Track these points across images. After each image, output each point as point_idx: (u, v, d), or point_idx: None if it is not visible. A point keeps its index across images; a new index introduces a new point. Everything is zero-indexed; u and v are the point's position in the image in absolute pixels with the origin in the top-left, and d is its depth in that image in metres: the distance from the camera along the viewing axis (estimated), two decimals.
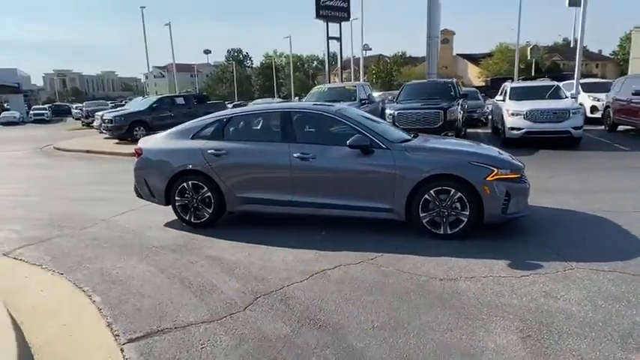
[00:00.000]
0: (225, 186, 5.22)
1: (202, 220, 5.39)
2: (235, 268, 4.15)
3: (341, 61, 45.51)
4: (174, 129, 5.83)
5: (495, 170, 4.52)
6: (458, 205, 4.58)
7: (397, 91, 23.98)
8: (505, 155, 5.05)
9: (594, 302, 3.24)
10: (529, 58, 44.77)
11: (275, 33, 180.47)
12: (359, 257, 4.26)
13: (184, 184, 5.36)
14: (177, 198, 5.43)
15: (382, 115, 11.92)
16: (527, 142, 10.75)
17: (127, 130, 17.55)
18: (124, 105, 35.61)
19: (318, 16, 40.12)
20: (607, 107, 13.27)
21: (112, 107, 34.10)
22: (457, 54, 72.56)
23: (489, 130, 14.45)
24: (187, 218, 5.45)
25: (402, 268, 3.98)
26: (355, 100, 13.03)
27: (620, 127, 12.87)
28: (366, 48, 58.84)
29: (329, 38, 42.28)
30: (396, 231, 4.91)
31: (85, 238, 5.21)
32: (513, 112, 10.97)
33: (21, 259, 4.54)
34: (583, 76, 36.62)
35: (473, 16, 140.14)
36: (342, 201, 4.92)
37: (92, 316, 3.27)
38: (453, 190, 4.55)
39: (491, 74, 47.72)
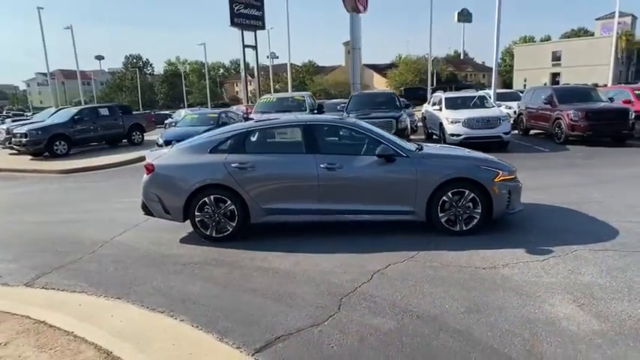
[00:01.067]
0: (251, 198, 5.31)
1: (225, 234, 5.42)
2: (294, 275, 4.34)
3: (258, 69, 45.56)
4: (184, 144, 5.76)
5: (500, 172, 5.28)
6: (470, 204, 5.24)
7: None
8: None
9: (611, 274, 4.05)
10: (430, 69, 49.07)
11: (175, 39, 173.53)
12: (399, 256, 4.69)
13: (205, 198, 5.35)
14: (197, 213, 5.39)
15: None
16: (464, 147, 12.08)
17: (45, 144, 16.05)
18: (23, 116, 31.92)
19: (232, 24, 40.04)
20: (520, 114, 15.35)
21: (5, 119, 30.41)
22: (363, 64, 76.46)
23: (423, 137, 15.79)
24: (208, 233, 5.43)
25: (444, 263, 4.50)
26: (305, 110, 13.48)
27: (532, 132, 14.97)
28: (273, 56, 59.53)
29: (245, 46, 42.25)
30: (412, 231, 5.41)
31: (105, 261, 4.95)
32: (453, 120, 12.27)
33: (54, 288, 4.23)
34: (469, 86, 41.03)
35: (372, 28, 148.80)
36: (368, 206, 5.33)
37: (194, 335, 3.28)
38: (467, 192, 5.21)
39: (398, 84, 51.27)
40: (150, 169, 5.52)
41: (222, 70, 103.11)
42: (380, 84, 68.34)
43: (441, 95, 14.28)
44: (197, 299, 3.90)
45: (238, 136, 5.57)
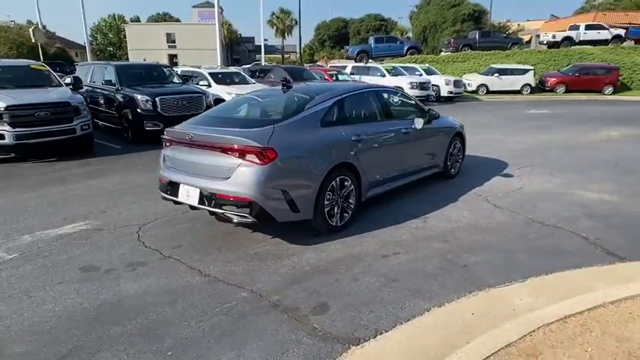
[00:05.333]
0: (364, 173, 4.86)
1: (345, 221, 4.71)
2: (485, 231, 4.81)
3: None
4: (293, 117, 4.37)
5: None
6: (457, 152, 6.89)
7: None
8: None
9: (566, 178, 6.91)
10: (33, 40, 40.99)
11: None
12: (474, 197, 5.88)
13: (333, 182, 4.45)
14: (326, 202, 4.40)
15: (129, 103, 10.11)
16: None
17: None
18: None
19: None
20: None
21: None
22: None
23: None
24: (334, 223, 4.56)
25: (498, 193, 6.08)
26: (56, 84, 9.95)
27: None
28: None
29: None
30: (427, 185, 6.47)
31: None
32: (237, 95, 12.58)
33: None
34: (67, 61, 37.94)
35: None
36: (422, 164, 6.01)
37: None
38: (458, 142, 6.83)
39: None
40: (270, 155, 3.90)
41: None
42: None
43: (204, 71, 13.89)
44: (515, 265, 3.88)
45: (337, 105, 4.77)
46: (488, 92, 22.36)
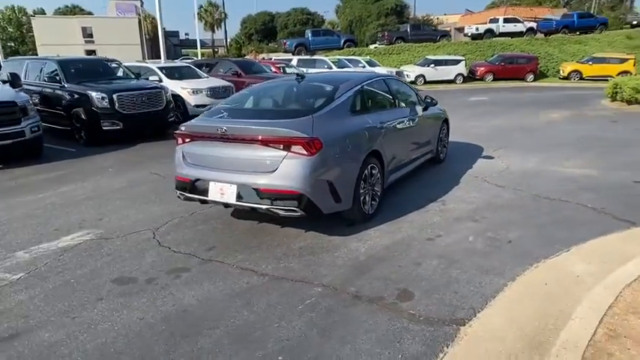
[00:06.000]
0: (387, 160, 4.90)
1: (375, 207, 4.73)
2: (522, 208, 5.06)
3: None
4: (326, 107, 4.24)
5: None
6: (444, 137, 7.16)
7: None
8: None
9: (553, 163, 7.46)
10: None
11: None
12: (471, 178, 6.17)
13: (366, 170, 4.44)
14: (361, 191, 4.38)
15: (80, 102, 9.21)
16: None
17: None
18: None
19: None
20: None
21: None
22: None
23: None
24: (367, 212, 4.56)
25: (497, 172, 6.43)
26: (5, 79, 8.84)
27: None
28: None
29: None
30: (423, 169, 6.71)
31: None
32: (194, 90, 12.01)
33: None
34: None
35: None
36: (423, 150, 6.16)
37: None
38: (445, 128, 7.10)
39: None
40: (317, 146, 3.78)
41: None
42: None
43: (152, 67, 12.97)
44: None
45: (360, 93, 4.74)
46: (426, 82, 23.41)
